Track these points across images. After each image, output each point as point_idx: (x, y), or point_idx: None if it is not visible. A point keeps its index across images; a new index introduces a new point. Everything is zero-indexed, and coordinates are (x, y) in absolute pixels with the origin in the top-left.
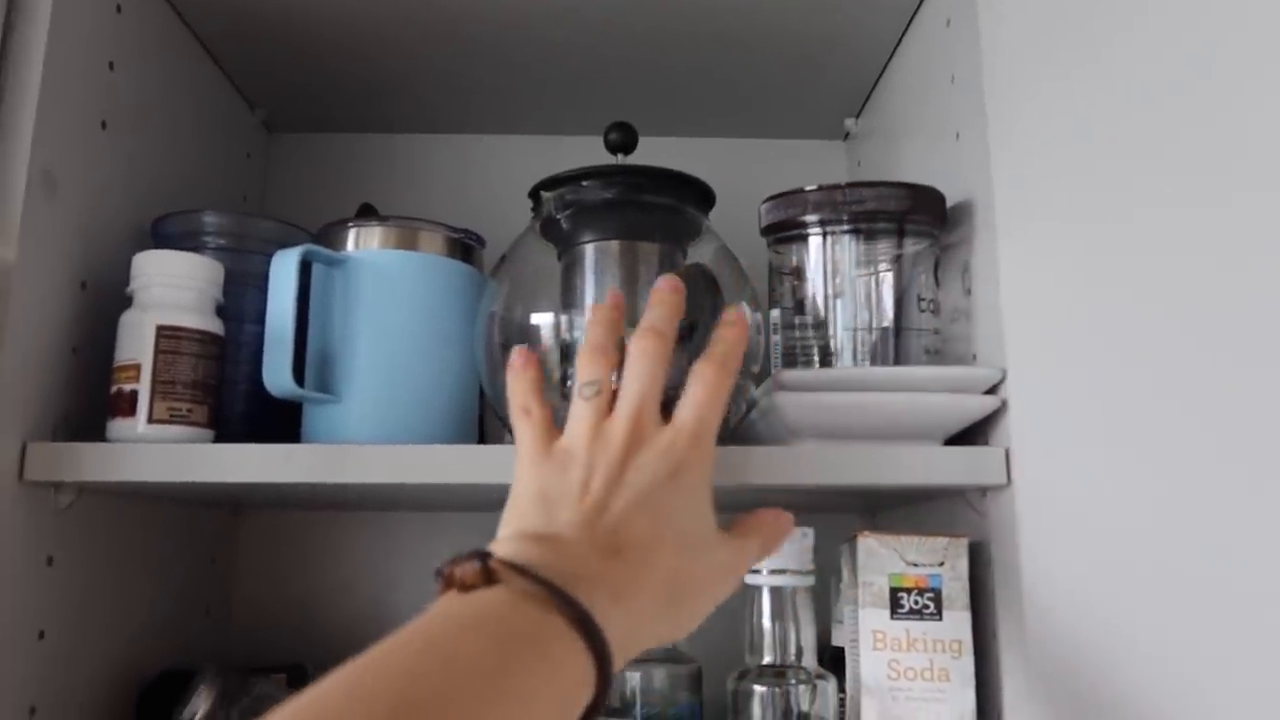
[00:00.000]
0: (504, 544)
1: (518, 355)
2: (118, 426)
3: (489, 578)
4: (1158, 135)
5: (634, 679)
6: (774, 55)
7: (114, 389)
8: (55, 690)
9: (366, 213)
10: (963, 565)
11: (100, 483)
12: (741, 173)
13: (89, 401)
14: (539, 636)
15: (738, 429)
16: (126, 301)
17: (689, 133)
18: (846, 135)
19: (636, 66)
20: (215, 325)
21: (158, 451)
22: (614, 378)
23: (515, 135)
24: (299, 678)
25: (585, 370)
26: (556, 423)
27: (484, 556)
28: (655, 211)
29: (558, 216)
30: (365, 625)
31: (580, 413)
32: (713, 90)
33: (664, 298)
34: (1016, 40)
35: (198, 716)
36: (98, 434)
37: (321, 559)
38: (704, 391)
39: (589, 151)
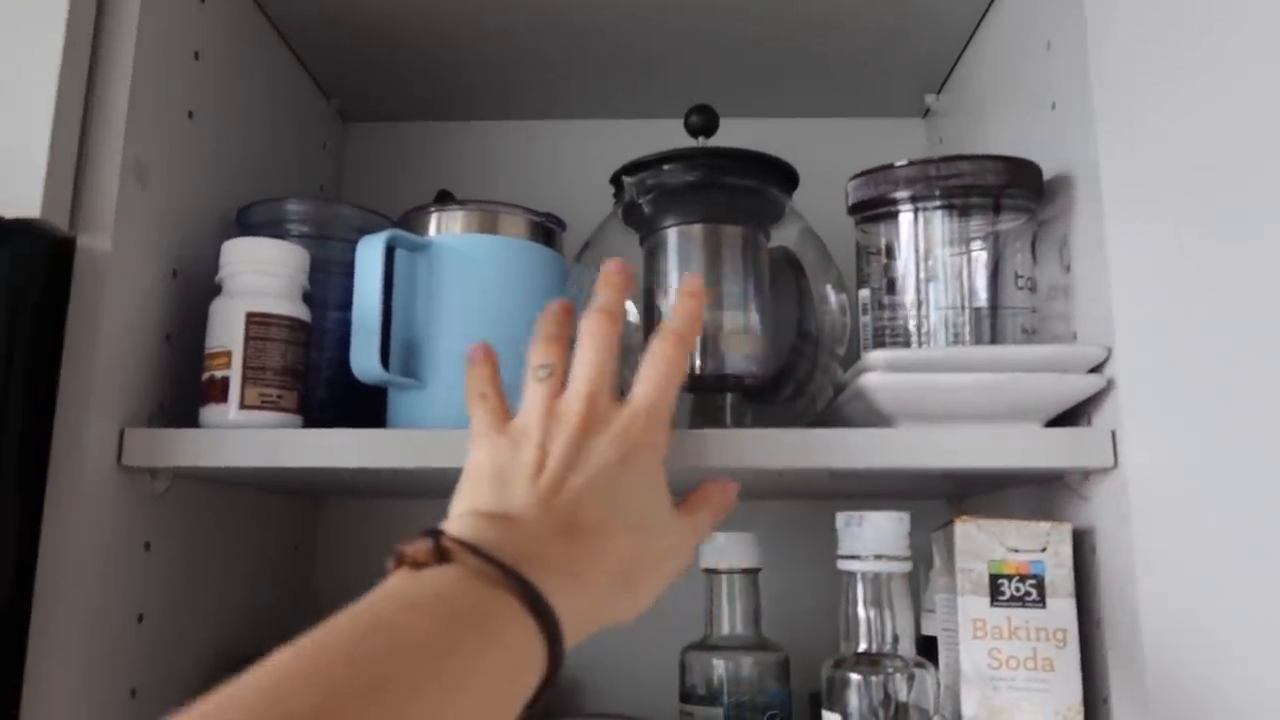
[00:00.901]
0: (457, 522)
1: (475, 349)
2: (210, 413)
3: (441, 556)
4: None
5: (721, 667)
6: (853, 32)
7: (205, 376)
8: (155, 673)
9: (444, 199)
10: (1066, 551)
11: (195, 468)
12: (819, 152)
13: (181, 388)
14: (489, 616)
15: (825, 413)
16: (216, 289)
17: (765, 113)
18: (926, 112)
19: (713, 47)
20: (303, 311)
21: (250, 437)
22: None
23: (593, 120)
24: None
25: (536, 354)
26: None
27: (436, 535)
28: (738, 194)
29: (639, 201)
30: None
31: (534, 394)
32: (790, 69)
33: (611, 280)
34: (1123, 2)
35: None
36: (189, 421)
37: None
38: (661, 368)
39: (669, 135)
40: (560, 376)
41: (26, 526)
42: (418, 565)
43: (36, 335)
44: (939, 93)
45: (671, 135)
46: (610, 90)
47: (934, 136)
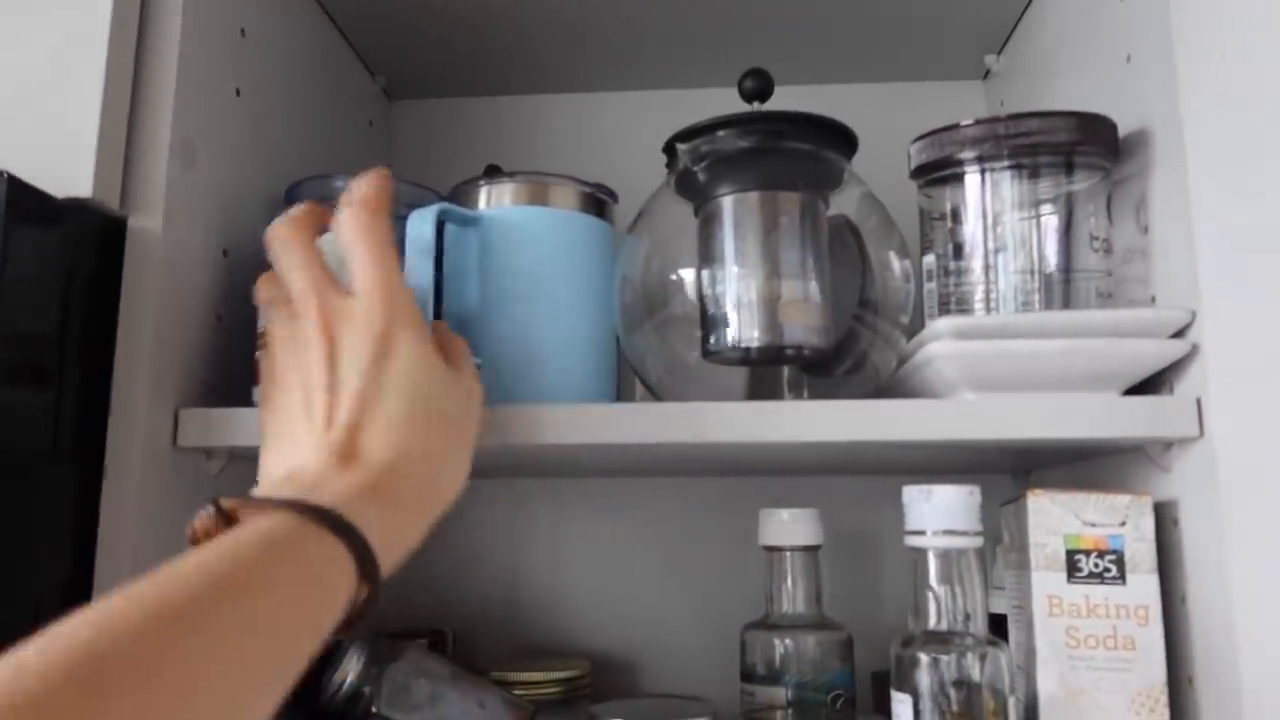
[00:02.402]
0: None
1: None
2: None
3: (227, 520)
4: None
5: (784, 645)
6: None
7: (258, 355)
8: None
9: (493, 173)
10: (1147, 525)
11: (250, 448)
12: (875, 118)
13: (233, 368)
14: (280, 538)
15: (886, 385)
16: (267, 269)
17: (819, 79)
18: (986, 74)
19: (764, 11)
20: None
21: None
22: None
23: (642, 91)
24: (439, 643)
25: (259, 294)
26: None
27: (217, 502)
28: (796, 159)
29: (694, 169)
30: (500, 590)
31: (274, 335)
32: (844, 33)
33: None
34: None
35: (349, 679)
36: (242, 400)
37: (455, 528)
38: (362, 245)
39: (721, 104)
40: (287, 307)
41: (85, 510)
42: (208, 535)
43: (89, 316)
44: (999, 54)
45: (724, 104)
46: (660, 60)
47: (994, 99)
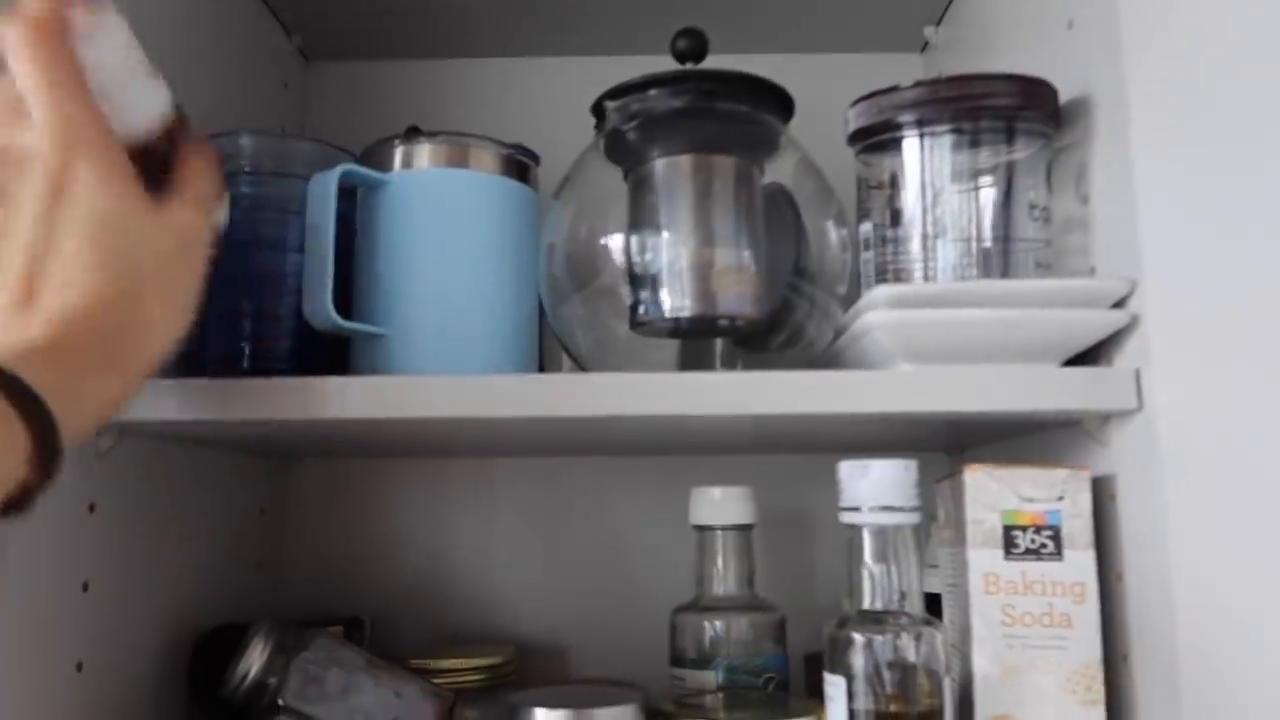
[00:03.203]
0: None
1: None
2: None
3: None
4: None
5: (715, 628)
6: None
7: None
8: (103, 644)
9: (413, 135)
10: (1085, 500)
11: (138, 422)
12: (810, 89)
13: None
14: None
15: (822, 358)
16: None
17: (753, 48)
18: (925, 46)
19: None
20: None
21: (196, 388)
22: None
23: (570, 57)
24: (356, 629)
25: None
26: None
27: None
28: (730, 121)
29: (624, 130)
30: (420, 576)
31: None
32: (781, 1)
33: None
34: None
35: (253, 671)
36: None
37: (374, 509)
38: (31, 67)
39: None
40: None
41: None
42: None
43: None
44: (938, 25)
45: (654, 70)
46: (589, 26)
47: (933, 71)
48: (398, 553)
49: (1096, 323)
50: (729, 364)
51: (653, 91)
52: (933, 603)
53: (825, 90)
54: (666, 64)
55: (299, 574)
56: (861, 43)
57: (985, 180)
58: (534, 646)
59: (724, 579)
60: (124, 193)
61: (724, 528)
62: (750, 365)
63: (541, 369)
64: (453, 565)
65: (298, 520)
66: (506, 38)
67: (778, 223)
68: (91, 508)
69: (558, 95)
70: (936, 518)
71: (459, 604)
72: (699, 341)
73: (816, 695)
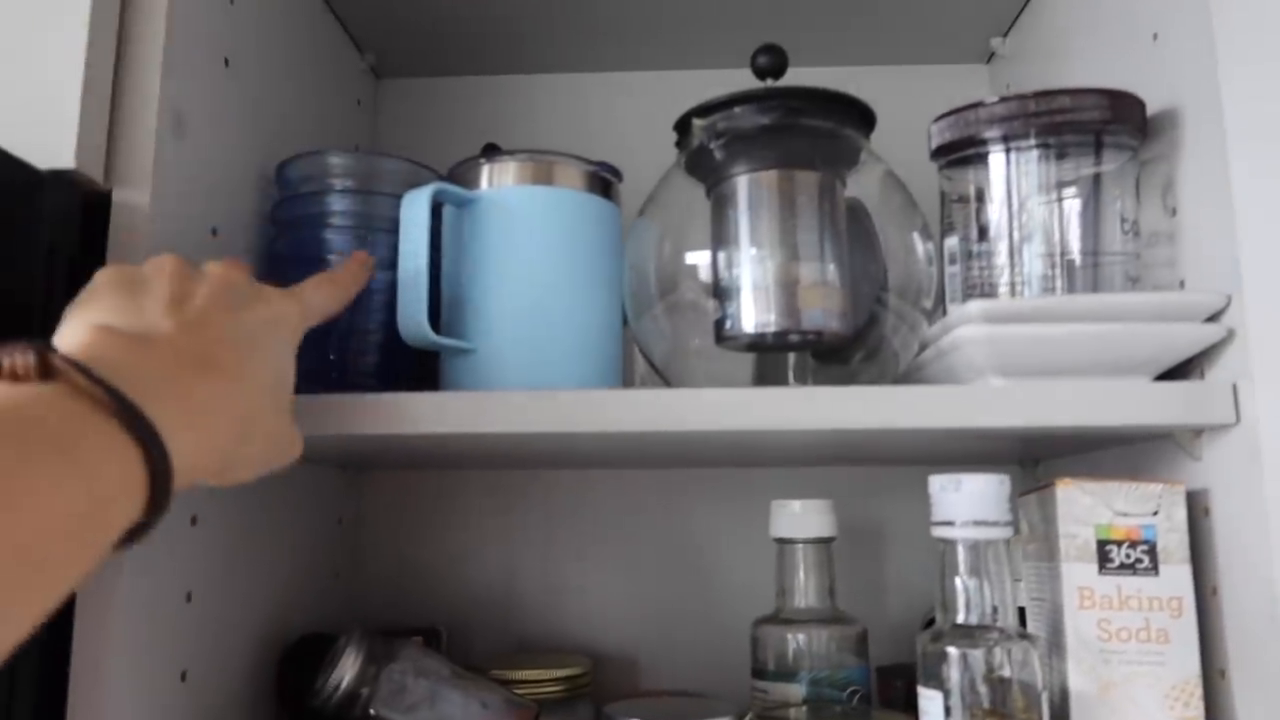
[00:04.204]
0: (78, 333)
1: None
2: None
3: (45, 372)
4: None
5: (798, 640)
6: None
7: None
8: (205, 654)
9: (491, 152)
10: (1180, 514)
11: None
12: (878, 100)
13: None
14: (76, 439)
15: (906, 372)
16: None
17: (820, 61)
18: (990, 57)
19: None
20: None
21: (302, 405)
22: None
23: (645, 71)
24: (432, 641)
25: None
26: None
27: (43, 348)
28: (814, 136)
29: (710, 147)
30: (493, 586)
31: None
32: (848, 14)
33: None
34: None
35: (345, 681)
36: None
37: (446, 520)
38: (316, 288)
39: (721, 86)
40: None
41: None
42: (16, 379)
43: (72, 292)
44: (1005, 36)
45: (725, 86)
46: (658, 39)
47: (999, 82)
48: (469, 563)
49: (1192, 337)
50: (801, 376)
51: (739, 109)
52: (1020, 617)
53: (892, 101)
54: (737, 77)
55: (373, 584)
56: (927, 54)
57: (1070, 193)
58: (605, 658)
59: (805, 592)
60: (292, 379)
61: (805, 541)
62: (822, 378)
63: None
64: (524, 576)
65: (372, 531)
66: (575, 53)
67: (859, 237)
68: (193, 520)
69: (628, 109)
70: (1020, 531)
71: (531, 615)
72: (772, 356)
73: (891, 707)
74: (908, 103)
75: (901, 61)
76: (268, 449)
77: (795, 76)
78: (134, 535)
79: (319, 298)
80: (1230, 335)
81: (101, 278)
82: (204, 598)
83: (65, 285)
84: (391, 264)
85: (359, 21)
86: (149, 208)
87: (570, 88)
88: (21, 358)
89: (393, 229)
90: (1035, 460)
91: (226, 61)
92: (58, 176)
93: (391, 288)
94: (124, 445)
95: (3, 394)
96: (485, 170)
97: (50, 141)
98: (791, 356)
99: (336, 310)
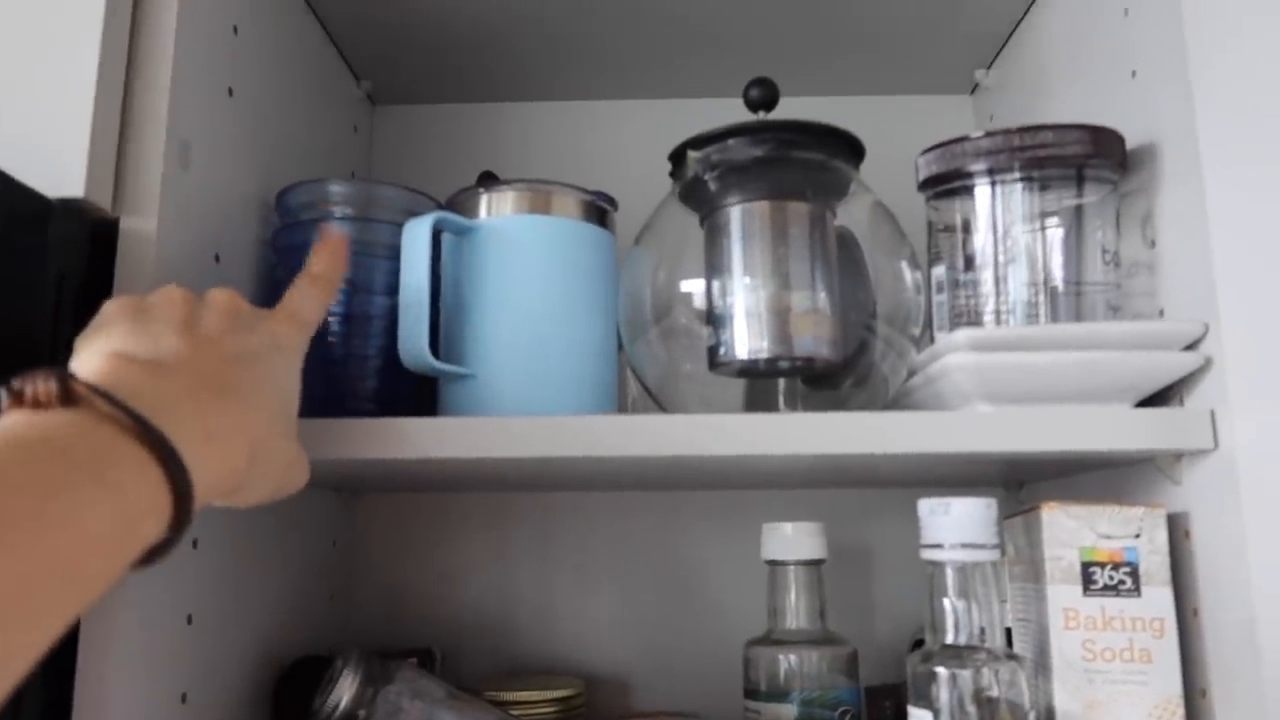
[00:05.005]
0: (92, 361)
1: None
2: None
3: (67, 399)
4: None
5: (789, 661)
6: (900, 6)
7: None
8: (205, 676)
9: (488, 181)
10: (1161, 537)
11: None
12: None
13: None
14: (106, 461)
15: (894, 398)
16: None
17: (805, 91)
18: (974, 88)
19: (759, 22)
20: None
21: (303, 428)
22: None
23: (636, 100)
24: (427, 661)
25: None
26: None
27: (64, 376)
28: (806, 168)
29: (704, 178)
30: (487, 607)
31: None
32: (836, 46)
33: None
34: None
35: (343, 703)
36: None
37: (439, 542)
38: (304, 293)
39: (712, 115)
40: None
41: None
42: (38, 406)
43: (80, 319)
44: (989, 68)
45: (716, 115)
46: (653, 69)
47: (983, 113)
48: (462, 585)
49: (1170, 365)
50: (791, 401)
51: (732, 141)
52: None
53: (879, 130)
54: (730, 106)
55: (368, 606)
56: (911, 85)
57: (1054, 223)
58: (597, 679)
59: (796, 613)
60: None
61: (796, 563)
62: (812, 403)
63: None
64: (517, 597)
65: (366, 553)
66: (569, 81)
67: (849, 266)
68: (195, 543)
69: (620, 137)
70: (1006, 553)
71: (524, 637)
72: (762, 382)
73: None
74: (895, 132)
75: (889, 92)
76: (278, 471)
77: (786, 106)
78: (156, 553)
79: (309, 304)
80: (1208, 363)
81: (110, 308)
82: (204, 620)
83: (73, 312)
84: (390, 290)
85: (356, 49)
86: (155, 235)
87: (565, 115)
88: (44, 385)
89: (390, 255)
90: (1020, 483)
91: (230, 91)
92: (67, 205)
93: (390, 314)
94: (149, 467)
95: (29, 421)
96: (484, 199)
97: (60, 171)
98: (782, 382)
99: (330, 303)
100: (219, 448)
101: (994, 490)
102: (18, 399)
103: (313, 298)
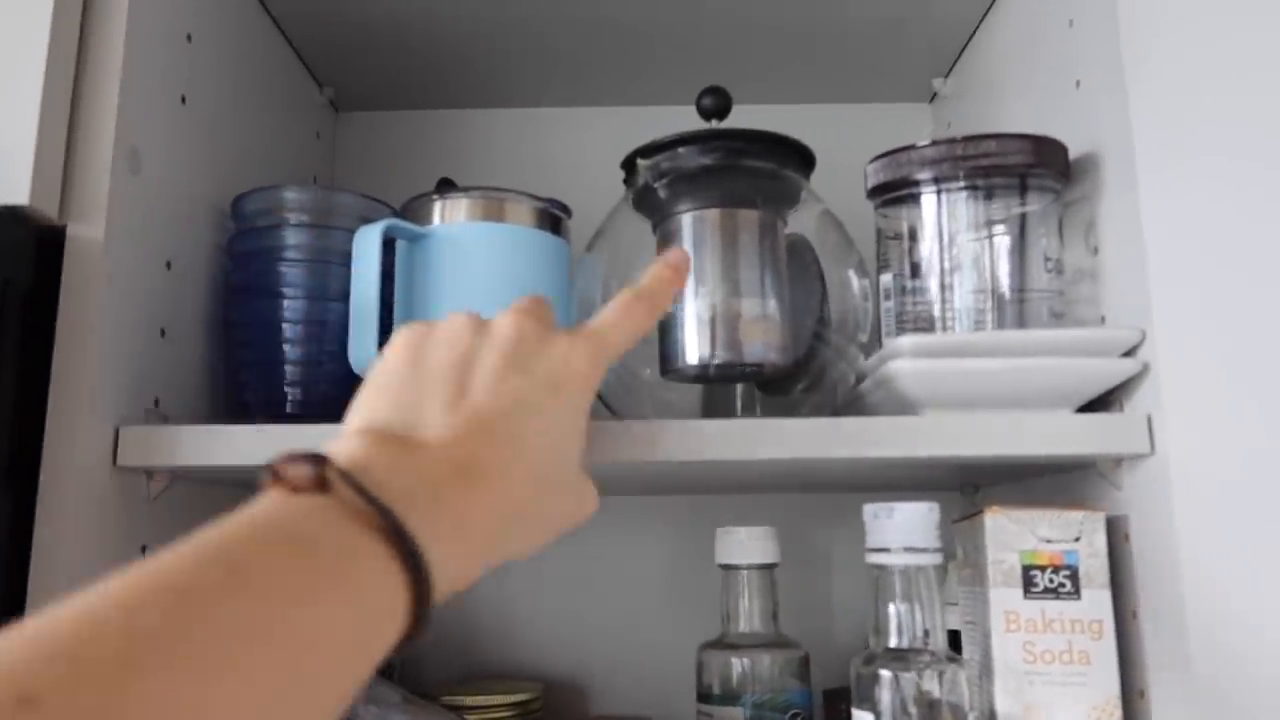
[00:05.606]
0: (351, 440)
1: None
2: None
3: (321, 486)
4: None
5: (742, 664)
6: (860, 16)
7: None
8: None
9: (446, 187)
10: (1100, 540)
11: (188, 467)
12: (822, 138)
13: (177, 385)
14: (351, 563)
15: (846, 402)
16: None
17: (766, 99)
18: (933, 97)
19: (716, 31)
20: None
21: (244, 435)
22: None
23: (594, 107)
24: (385, 667)
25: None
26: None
27: (320, 461)
28: (756, 177)
29: (654, 185)
30: (447, 612)
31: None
32: (794, 54)
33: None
34: None
35: None
36: (187, 418)
37: None
38: (617, 313)
39: (668, 122)
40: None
41: (18, 530)
42: (295, 490)
43: (26, 329)
44: (946, 77)
45: (674, 122)
46: (613, 76)
47: (941, 121)
48: None
49: (1109, 371)
50: (748, 407)
51: (682, 150)
52: (951, 639)
53: (836, 140)
54: (686, 114)
55: None
56: (871, 93)
57: (999, 231)
58: (555, 683)
59: (749, 616)
60: (582, 432)
61: (749, 566)
62: (769, 409)
63: None
64: (475, 602)
65: None
66: (530, 88)
67: (800, 273)
68: (143, 549)
69: (580, 144)
70: (955, 556)
71: (484, 641)
72: (717, 388)
73: None
74: (855, 140)
75: (850, 100)
76: (545, 527)
77: (742, 114)
78: (394, 651)
79: (621, 326)
80: (1145, 369)
81: (395, 342)
82: None
83: (19, 320)
84: (345, 297)
85: (318, 56)
86: (103, 242)
87: (525, 122)
88: (301, 469)
89: (347, 262)
90: (975, 486)
91: (183, 99)
92: (11, 212)
93: (346, 319)
94: (392, 569)
95: (282, 506)
96: (438, 206)
97: (4, 179)
98: (739, 387)
99: (649, 328)
100: (460, 540)
101: (950, 494)
102: (276, 478)
103: (628, 319)
